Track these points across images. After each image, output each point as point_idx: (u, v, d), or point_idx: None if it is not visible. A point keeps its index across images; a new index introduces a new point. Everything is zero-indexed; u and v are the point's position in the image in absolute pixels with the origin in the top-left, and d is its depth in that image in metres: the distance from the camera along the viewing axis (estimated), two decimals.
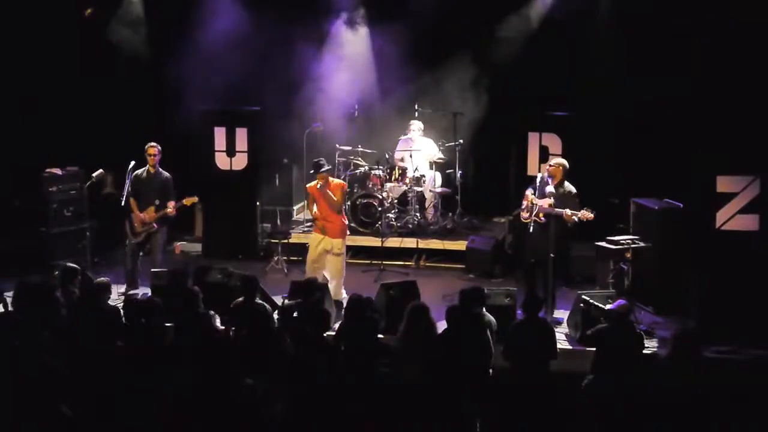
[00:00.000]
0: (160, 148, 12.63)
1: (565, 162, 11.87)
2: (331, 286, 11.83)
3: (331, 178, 12.28)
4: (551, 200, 11.42)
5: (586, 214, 11.26)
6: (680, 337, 8.66)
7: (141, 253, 12.66)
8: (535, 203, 11.52)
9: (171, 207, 12.47)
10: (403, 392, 7.86)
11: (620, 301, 9.88)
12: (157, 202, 12.48)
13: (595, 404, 8.09)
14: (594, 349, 9.57)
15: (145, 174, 12.61)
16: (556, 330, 11.24)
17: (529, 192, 11.76)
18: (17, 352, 8.42)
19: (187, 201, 12.66)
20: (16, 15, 14.79)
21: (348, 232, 12.53)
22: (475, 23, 14.84)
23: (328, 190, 11.98)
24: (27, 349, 8.44)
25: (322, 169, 11.98)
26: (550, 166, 11.81)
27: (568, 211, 11.34)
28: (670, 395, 8.36)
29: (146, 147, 12.61)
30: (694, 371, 8.53)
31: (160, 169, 12.64)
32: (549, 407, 7.87)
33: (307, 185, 12.35)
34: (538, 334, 9.35)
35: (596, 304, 10.80)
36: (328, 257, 12.08)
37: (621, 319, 9.41)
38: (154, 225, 12.51)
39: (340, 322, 9.90)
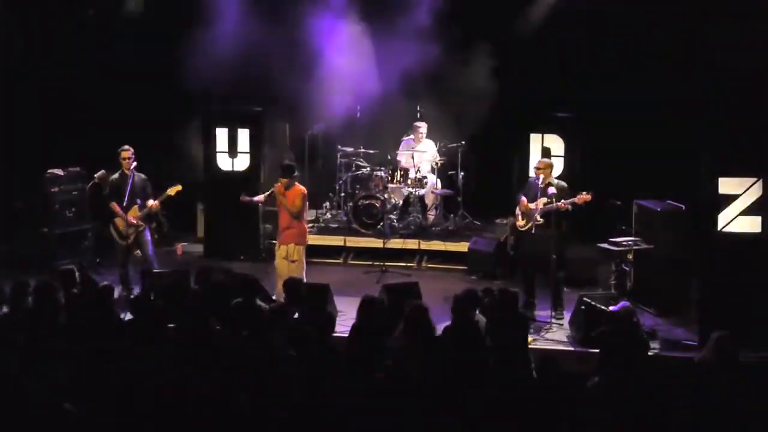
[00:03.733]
0: (132, 150, 12.54)
1: (550, 161, 12.11)
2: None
3: (297, 184, 12.08)
4: (545, 199, 11.48)
5: (583, 197, 11.35)
6: (720, 341, 8.61)
7: (138, 253, 12.68)
8: (532, 207, 11.59)
9: (153, 202, 12.46)
10: (406, 392, 7.85)
11: (623, 303, 9.87)
12: (138, 201, 12.47)
13: (599, 406, 8.05)
14: (597, 350, 9.58)
15: (119, 177, 12.52)
16: (552, 331, 11.45)
17: (522, 199, 11.84)
18: (18, 352, 8.47)
19: (171, 191, 12.52)
20: (18, 15, 14.80)
21: (307, 241, 12.31)
22: (477, 25, 14.83)
23: (284, 197, 11.88)
24: (28, 349, 8.49)
25: (294, 174, 11.94)
26: (538, 168, 11.86)
27: (561, 202, 11.41)
28: (708, 399, 8.35)
29: (120, 151, 12.48)
30: (733, 375, 8.52)
31: (136, 172, 12.55)
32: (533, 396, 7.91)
33: (276, 184, 12.18)
34: (511, 327, 9.46)
35: (599, 306, 10.79)
36: (288, 265, 11.94)
37: (625, 320, 9.39)
38: (141, 224, 12.50)
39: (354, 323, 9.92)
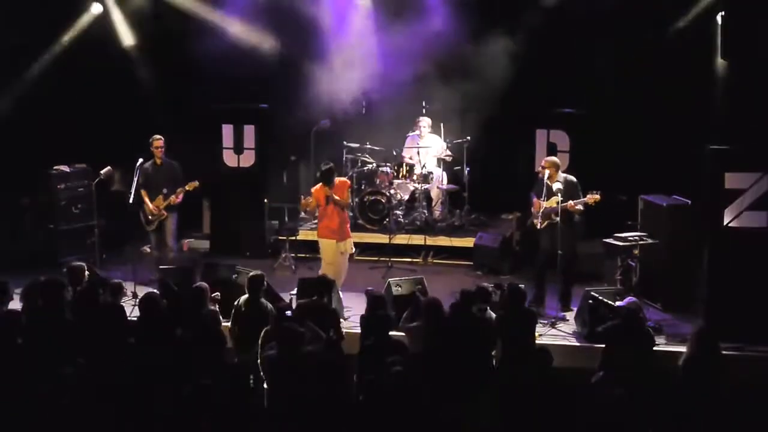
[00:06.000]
0: (164, 139, 12.96)
1: (555, 159, 12.02)
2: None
3: (337, 178, 12.12)
4: (558, 197, 11.46)
5: (592, 197, 11.35)
6: (701, 335, 8.65)
7: (147, 249, 13.06)
8: (544, 206, 11.59)
9: (177, 194, 12.82)
10: (410, 386, 7.88)
11: (630, 299, 9.87)
12: (164, 191, 12.85)
13: (604, 401, 8.07)
14: (603, 345, 9.59)
15: (152, 166, 12.91)
16: (558, 326, 11.46)
17: (534, 199, 11.84)
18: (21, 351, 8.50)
19: (189, 186, 12.88)
20: (22, 13, 14.80)
21: None
22: (483, 20, 14.82)
23: (335, 196, 11.84)
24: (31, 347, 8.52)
25: (333, 178, 11.89)
26: (542, 167, 11.84)
27: (571, 202, 11.43)
28: (690, 394, 8.39)
29: (151, 140, 12.95)
30: (715, 369, 8.55)
31: (167, 159, 12.99)
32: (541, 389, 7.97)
33: (314, 188, 12.17)
34: (520, 323, 9.57)
35: (605, 301, 10.79)
36: (339, 259, 12.01)
37: (631, 316, 9.40)
38: (164, 213, 12.89)
39: (361, 315, 9.98)
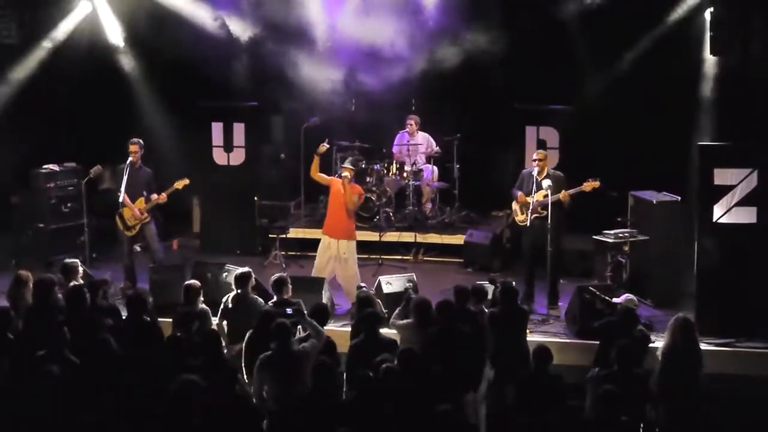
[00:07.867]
0: (142, 143, 12.66)
1: (545, 153, 12.10)
2: (347, 291, 11.97)
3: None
4: (546, 191, 11.46)
5: (590, 184, 11.38)
6: (678, 326, 8.68)
7: (137, 248, 12.87)
8: (531, 200, 11.57)
9: (161, 195, 12.57)
10: (405, 383, 7.88)
11: (626, 295, 9.87)
12: (144, 193, 12.56)
13: (599, 397, 8.09)
14: (594, 342, 9.59)
15: (130, 168, 12.58)
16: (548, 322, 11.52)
17: (519, 193, 11.82)
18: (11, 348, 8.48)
19: (179, 184, 12.68)
20: (10, 12, 14.79)
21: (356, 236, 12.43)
22: (473, 16, 14.81)
23: (346, 190, 11.91)
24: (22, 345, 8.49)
25: (360, 164, 12.02)
26: (540, 160, 11.83)
27: (565, 192, 11.42)
28: (669, 383, 8.43)
29: (128, 143, 12.60)
30: (692, 358, 8.59)
31: (143, 165, 12.69)
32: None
33: (332, 177, 12.38)
34: (511, 320, 9.59)
35: (602, 296, 10.77)
36: (339, 262, 12.01)
37: (628, 313, 9.41)
38: (147, 216, 12.61)
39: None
